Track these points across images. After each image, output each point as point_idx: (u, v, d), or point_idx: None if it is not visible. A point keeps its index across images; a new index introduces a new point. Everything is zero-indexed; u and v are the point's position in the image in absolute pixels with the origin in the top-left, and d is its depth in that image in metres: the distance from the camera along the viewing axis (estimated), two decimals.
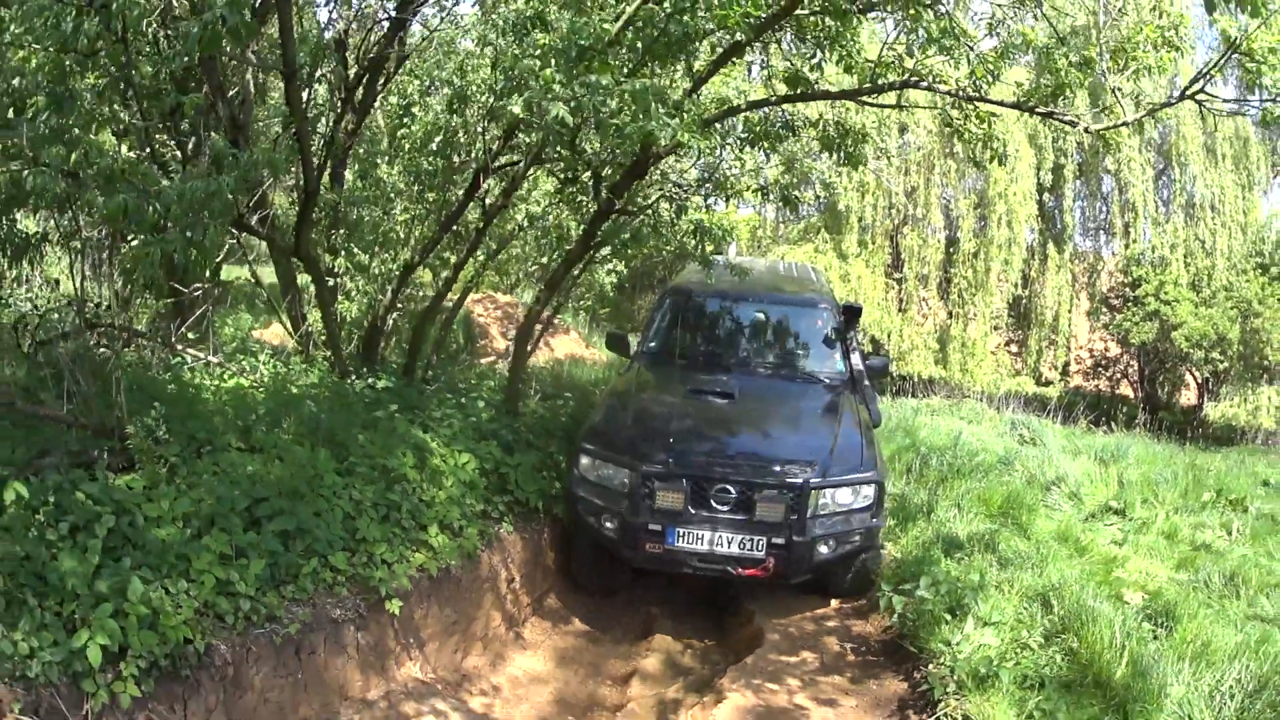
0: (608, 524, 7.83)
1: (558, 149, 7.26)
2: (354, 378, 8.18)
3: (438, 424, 7.90)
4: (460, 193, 8.61)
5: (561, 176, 8.55)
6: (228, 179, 4.70)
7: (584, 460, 8.08)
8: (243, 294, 12.49)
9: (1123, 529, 10.23)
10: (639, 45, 6.06)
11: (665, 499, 7.67)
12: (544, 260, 11.20)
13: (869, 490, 7.85)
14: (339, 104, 8.28)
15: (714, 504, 7.62)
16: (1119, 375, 29.10)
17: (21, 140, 4.72)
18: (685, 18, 5.69)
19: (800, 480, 7.61)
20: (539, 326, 10.50)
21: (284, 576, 5.53)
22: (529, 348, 10.03)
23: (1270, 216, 26.44)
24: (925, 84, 7.22)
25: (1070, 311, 27.31)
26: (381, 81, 8.52)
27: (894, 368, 23.42)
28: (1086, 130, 7.47)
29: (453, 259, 9.06)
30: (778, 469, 7.79)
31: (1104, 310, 27.67)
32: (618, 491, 7.82)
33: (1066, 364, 28.71)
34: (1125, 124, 7.28)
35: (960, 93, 7.21)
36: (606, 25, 5.72)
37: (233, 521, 5.36)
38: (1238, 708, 5.12)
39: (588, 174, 8.08)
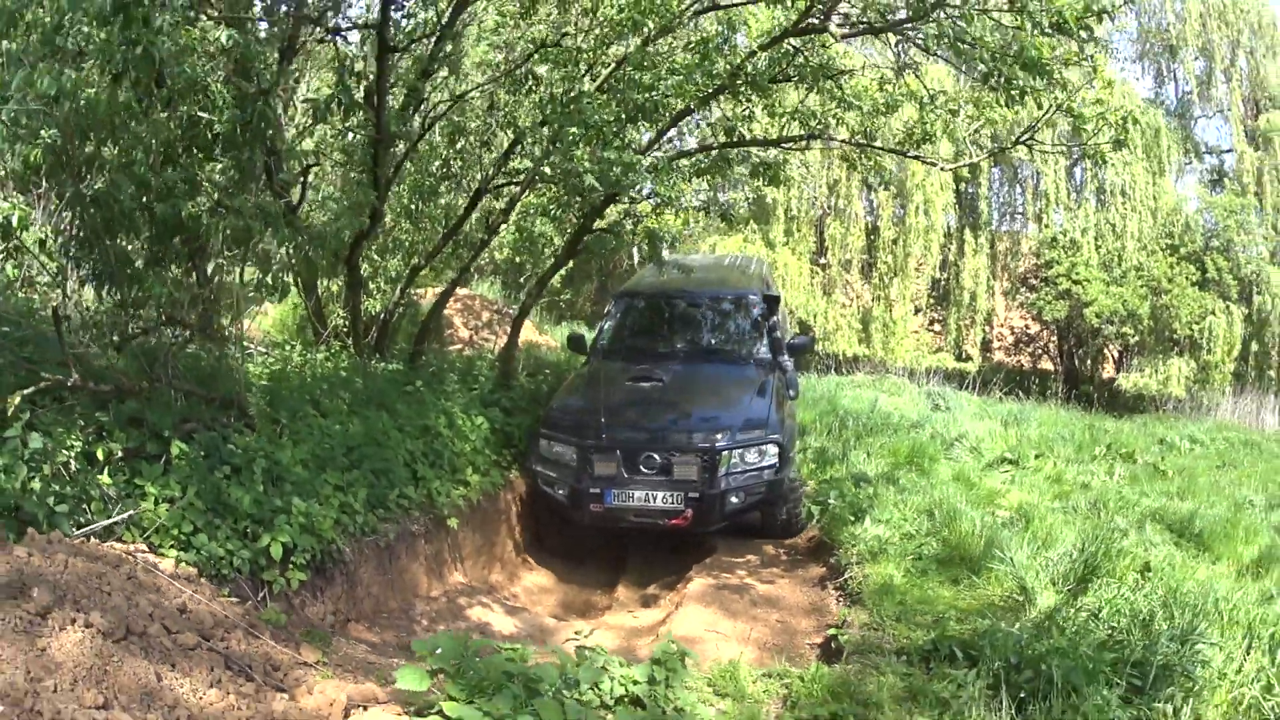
0: (560, 491, 9.97)
1: (561, 187, 9.90)
2: (372, 362, 10.68)
3: (451, 395, 10.48)
4: (462, 206, 11.23)
5: (547, 199, 11.23)
6: (344, 222, 7.29)
7: (541, 442, 10.23)
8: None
9: (1014, 475, 12.81)
10: (622, 116, 8.80)
11: (603, 468, 9.75)
12: (515, 259, 13.76)
13: (772, 449, 9.77)
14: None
15: (642, 469, 9.67)
16: (1040, 351, 32.23)
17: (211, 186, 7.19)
18: (655, 95, 8.53)
19: (708, 445, 9.66)
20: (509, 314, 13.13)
21: (376, 502, 8.02)
22: (517, 333, 12.65)
23: (1180, 200, 29.32)
24: (826, 135, 10.10)
25: (989, 292, 30.27)
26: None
27: (820, 347, 26.30)
28: (943, 169, 10.39)
29: (454, 262, 11.64)
30: (692, 436, 9.82)
31: (1022, 290, 30.79)
32: (567, 465, 9.93)
33: (988, 341, 31.77)
34: (970, 164, 10.19)
35: (852, 140, 10.08)
36: (607, 114, 8.40)
37: (338, 463, 7.83)
38: (1060, 569, 7.79)
39: (575, 199, 10.77)
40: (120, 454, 6.10)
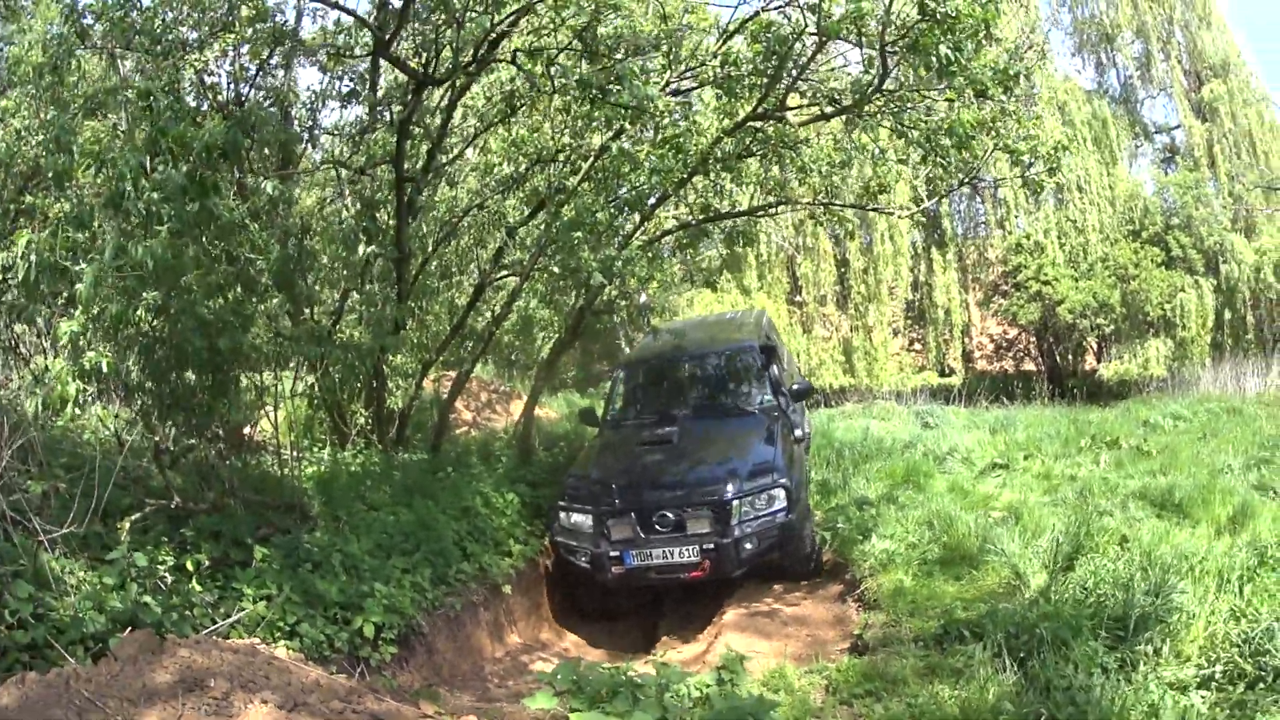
0: (582, 558, 10.59)
1: (565, 279, 11.19)
2: (398, 455, 11.85)
3: (479, 477, 11.67)
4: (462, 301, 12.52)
5: (542, 287, 12.56)
6: (378, 334, 8.56)
7: (560, 514, 10.92)
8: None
9: (1005, 478, 13.92)
10: (611, 212, 10.19)
11: (619, 531, 10.42)
12: (518, 344, 15.05)
13: (780, 494, 10.34)
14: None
15: (657, 527, 10.29)
16: (1021, 354, 33.67)
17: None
18: (637, 187, 10.00)
19: (718, 497, 10.25)
20: (496, 395, 14.36)
21: (439, 579, 9.18)
22: (531, 413, 13.89)
23: (1136, 185, 30.70)
24: (793, 200, 11.51)
25: (963, 305, 31.75)
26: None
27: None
28: (900, 218, 11.83)
29: (460, 352, 12.89)
30: (701, 490, 10.40)
31: (995, 297, 32.19)
32: (585, 532, 10.61)
33: (969, 352, 33.08)
34: (924, 209, 11.59)
35: (816, 201, 11.50)
36: (599, 214, 9.79)
37: (400, 549, 9.01)
38: (1047, 555, 8.98)
39: (573, 287, 12.09)
40: (208, 563, 7.01)
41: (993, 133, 10.15)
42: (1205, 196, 29.05)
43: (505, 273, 12.34)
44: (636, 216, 12.02)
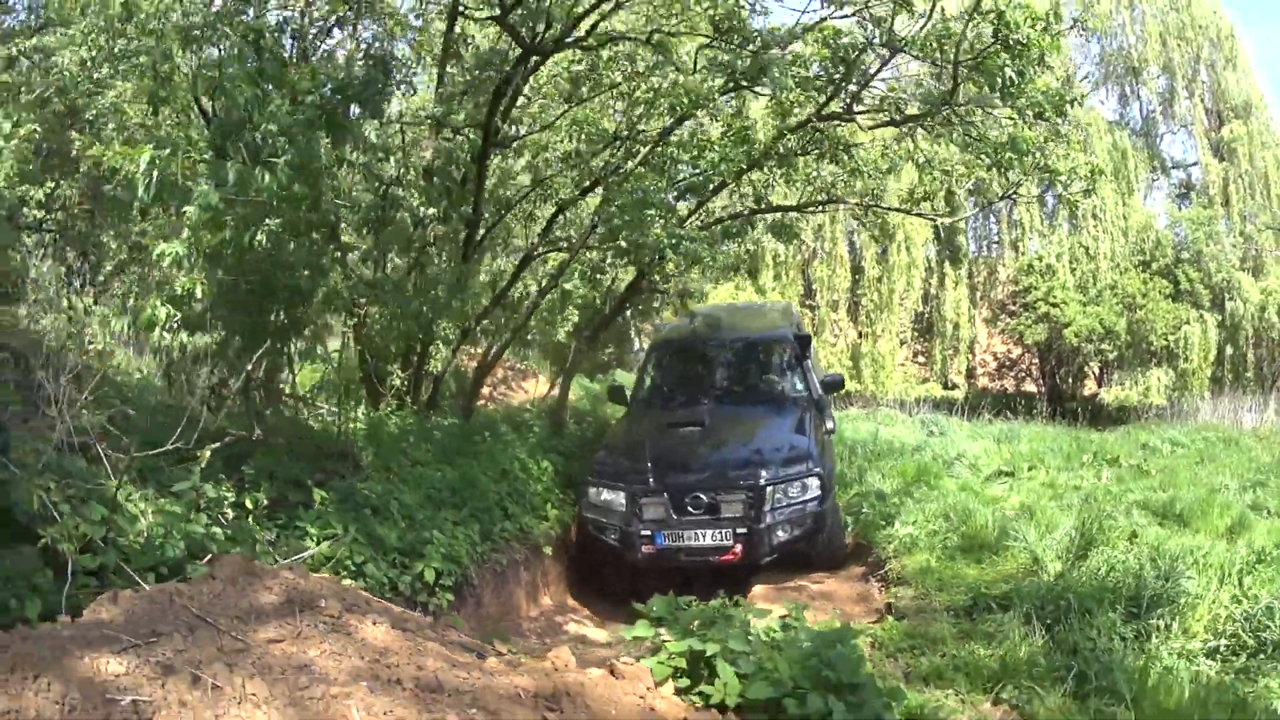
0: (612, 536, 10.77)
1: (624, 254, 11.85)
2: (430, 417, 12.39)
3: (511, 445, 12.24)
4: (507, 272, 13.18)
5: (586, 267, 13.25)
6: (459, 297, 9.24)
7: (590, 490, 11.13)
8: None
9: (1012, 484, 14.55)
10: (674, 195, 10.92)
11: (651, 511, 10.62)
12: (545, 319, 15.63)
13: (814, 482, 10.62)
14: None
15: (690, 509, 10.51)
16: (1023, 374, 34.48)
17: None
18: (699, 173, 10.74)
19: (753, 482, 10.51)
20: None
21: (485, 535, 9.74)
22: (566, 388, 14.58)
23: (1149, 217, 31.73)
24: (842, 199, 12.23)
25: (970, 321, 32.61)
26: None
27: None
28: (942, 224, 12.62)
29: (504, 323, 13.55)
30: (736, 475, 10.64)
31: (1003, 316, 33.04)
32: (616, 510, 10.79)
33: (972, 368, 34.01)
34: (966, 217, 12.35)
35: (862, 202, 12.23)
36: (660, 194, 10.53)
37: (449, 503, 9.59)
38: (1061, 546, 9.66)
39: (624, 261, 12.76)
40: (265, 502, 7.30)
41: (1041, 152, 10.84)
42: (1216, 234, 29.95)
43: (550, 248, 12.95)
44: (693, 202, 12.73)
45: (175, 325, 7.14)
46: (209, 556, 5.72)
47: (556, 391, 16.10)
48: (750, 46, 9.51)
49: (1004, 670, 6.46)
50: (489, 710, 4.29)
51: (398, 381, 12.27)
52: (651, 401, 13.03)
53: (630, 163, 11.34)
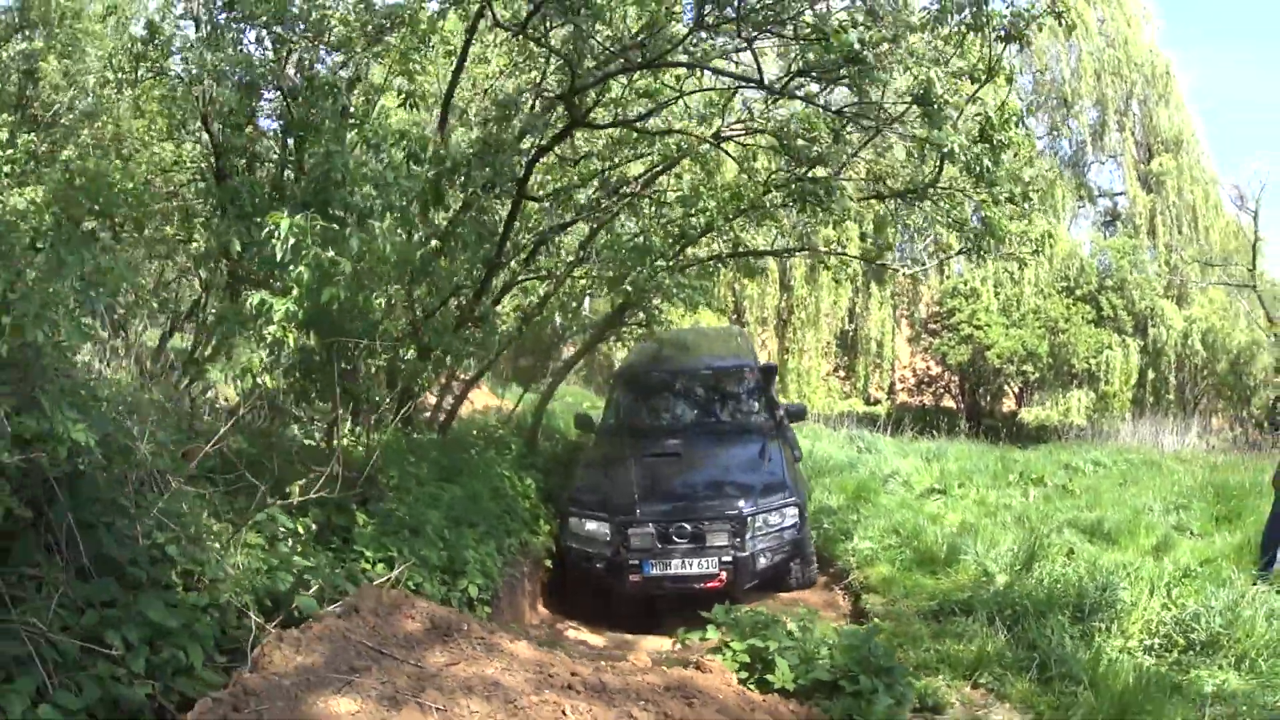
0: (598, 565, 11.35)
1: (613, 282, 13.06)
2: (411, 435, 13.29)
3: (493, 462, 13.17)
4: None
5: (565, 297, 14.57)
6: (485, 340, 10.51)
7: (572, 520, 11.72)
8: None
9: (945, 501, 15.90)
10: (669, 243, 12.29)
11: (638, 540, 11.09)
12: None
13: (792, 510, 11.40)
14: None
15: (675, 539, 11.03)
16: (942, 390, 36.37)
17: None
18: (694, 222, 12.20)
19: (736, 512, 11.11)
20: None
21: (498, 550, 10.63)
22: (543, 408, 15.88)
23: (1075, 245, 33.55)
24: (811, 247, 13.72)
25: (893, 339, 34.39)
26: None
27: None
28: (903, 276, 14.16)
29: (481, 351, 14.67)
30: (719, 505, 11.22)
31: (925, 335, 34.80)
32: (601, 539, 11.33)
33: (892, 384, 35.85)
34: (925, 268, 13.96)
35: (830, 250, 13.73)
36: (655, 238, 11.89)
37: (466, 521, 10.41)
38: (1006, 561, 11.01)
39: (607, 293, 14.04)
40: (314, 527, 7.66)
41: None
42: (1141, 263, 31.78)
43: (530, 275, 13.99)
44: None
45: (263, 369, 7.60)
46: (314, 586, 6.44)
47: (521, 408, 17.18)
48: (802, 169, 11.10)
49: (979, 661, 7.89)
50: (653, 703, 5.27)
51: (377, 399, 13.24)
52: (621, 430, 13.54)
53: (637, 222, 12.85)
